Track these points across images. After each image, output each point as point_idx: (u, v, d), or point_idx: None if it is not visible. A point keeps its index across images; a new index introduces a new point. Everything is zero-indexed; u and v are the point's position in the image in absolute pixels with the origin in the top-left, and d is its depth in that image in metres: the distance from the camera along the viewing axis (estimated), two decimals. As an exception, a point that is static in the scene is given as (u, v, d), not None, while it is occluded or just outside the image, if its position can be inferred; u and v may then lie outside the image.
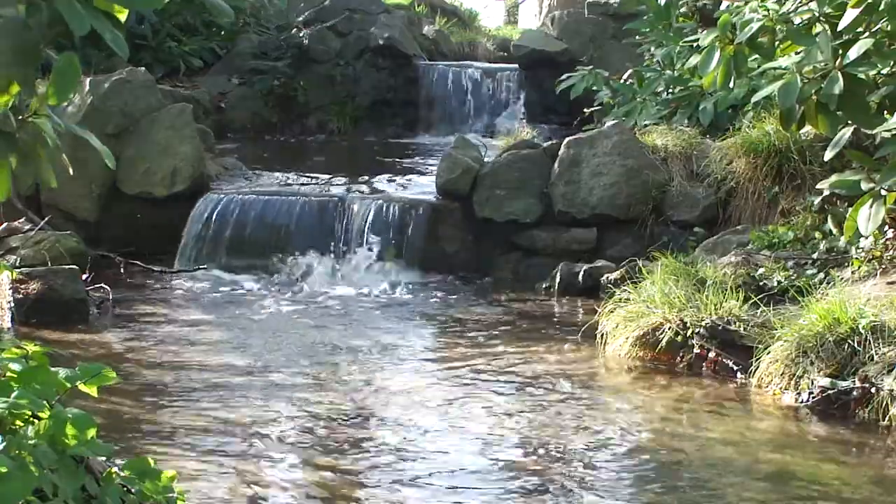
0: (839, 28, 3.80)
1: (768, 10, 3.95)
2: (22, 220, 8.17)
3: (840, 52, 3.78)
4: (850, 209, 4.06)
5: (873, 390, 5.15)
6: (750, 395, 5.65)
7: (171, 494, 2.75)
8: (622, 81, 10.12)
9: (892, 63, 3.97)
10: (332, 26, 13.25)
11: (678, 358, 6.13)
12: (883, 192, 3.87)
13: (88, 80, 9.28)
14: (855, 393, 5.23)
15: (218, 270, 8.48)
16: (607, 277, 7.47)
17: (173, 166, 8.97)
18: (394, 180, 9.69)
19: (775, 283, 6.42)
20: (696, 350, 6.05)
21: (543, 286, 8.13)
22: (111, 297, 7.43)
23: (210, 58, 13.01)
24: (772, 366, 5.59)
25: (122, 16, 1.98)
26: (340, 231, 8.59)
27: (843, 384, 5.26)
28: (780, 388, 5.52)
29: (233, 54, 13.10)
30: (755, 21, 3.92)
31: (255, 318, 7.31)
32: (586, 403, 5.53)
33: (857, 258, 6.44)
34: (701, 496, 4.36)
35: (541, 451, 4.81)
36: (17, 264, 7.24)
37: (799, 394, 5.42)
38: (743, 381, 5.81)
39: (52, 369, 2.80)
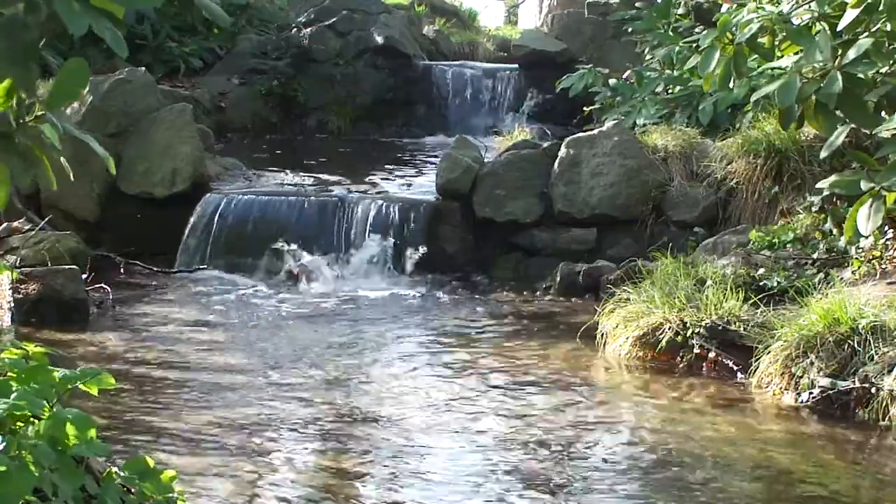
0: (839, 28, 3.81)
1: (767, 11, 3.95)
2: (22, 220, 8.16)
3: (839, 51, 3.78)
4: (850, 209, 4.06)
5: (873, 390, 5.15)
6: (750, 395, 5.64)
7: (171, 494, 2.75)
8: (622, 81, 10.11)
9: (891, 62, 3.97)
10: (331, 26, 13.25)
11: (678, 358, 6.13)
12: (883, 192, 3.87)
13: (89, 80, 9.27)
14: (855, 393, 5.23)
15: (218, 270, 8.48)
16: (607, 277, 7.46)
17: (173, 166, 8.97)
18: (394, 180, 9.70)
19: (775, 283, 6.41)
20: (696, 350, 6.05)
21: (543, 286, 8.12)
22: (111, 297, 7.43)
23: (210, 58, 13.01)
24: (772, 366, 5.59)
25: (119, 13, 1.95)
26: (341, 231, 8.59)
27: (843, 384, 5.26)
28: (780, 388, 5.52)
29: (233, 54, 13.10)
30: (755, 21, 3.92)
31: (254, 318, 7.31)
32: (586, 403, 5.53)
33: (857, 258, 6.43)
34: (701, 496, 4.36)
35: (541, 450, 4.81)
36: (17, 264, 7.23)
37: (799, 394, 5.42)
38: (743, 381, 5.81)
39: (52, 368, 2.80)
